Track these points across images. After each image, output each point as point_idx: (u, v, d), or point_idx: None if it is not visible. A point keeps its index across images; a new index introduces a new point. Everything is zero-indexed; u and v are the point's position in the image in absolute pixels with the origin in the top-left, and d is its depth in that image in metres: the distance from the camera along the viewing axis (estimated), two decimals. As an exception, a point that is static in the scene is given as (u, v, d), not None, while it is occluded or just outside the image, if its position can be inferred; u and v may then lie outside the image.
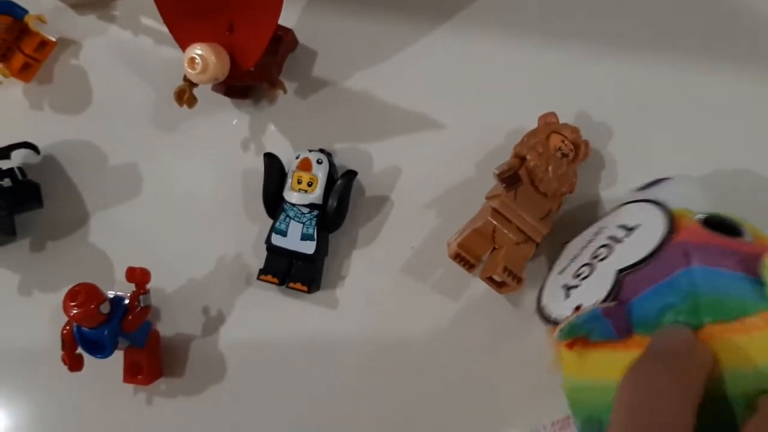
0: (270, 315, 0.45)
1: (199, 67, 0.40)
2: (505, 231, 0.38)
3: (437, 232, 0.43)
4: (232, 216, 0.47)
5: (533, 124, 0.41)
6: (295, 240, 0.42)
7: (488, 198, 0.40)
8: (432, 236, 0.43)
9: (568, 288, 0.34)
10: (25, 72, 0.54)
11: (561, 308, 0.33)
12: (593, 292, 0.31)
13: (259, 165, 0.47)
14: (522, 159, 0.39)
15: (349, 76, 0.47)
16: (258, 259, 0.45)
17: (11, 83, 0.54)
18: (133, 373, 0.45)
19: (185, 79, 0.43)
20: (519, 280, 0.38)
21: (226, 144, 0.49)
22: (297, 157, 0.42)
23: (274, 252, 0.43)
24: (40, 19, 0.53)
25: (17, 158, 0.51)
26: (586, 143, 0.40)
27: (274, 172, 0.43)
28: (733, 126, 0.40)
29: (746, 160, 0.40)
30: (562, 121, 0.41)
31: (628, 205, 0.36)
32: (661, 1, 0.43)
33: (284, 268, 0.43)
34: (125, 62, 0.52)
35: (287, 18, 0.40)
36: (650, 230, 0.31)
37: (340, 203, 0.42)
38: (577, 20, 0.44)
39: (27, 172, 0.51)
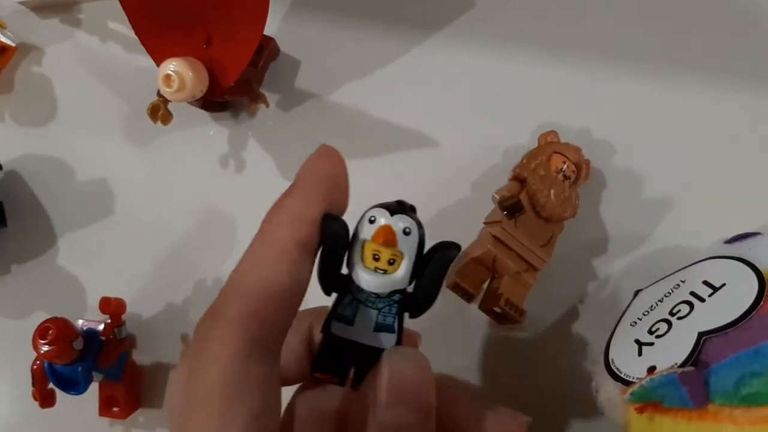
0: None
1: (175, 85, 0.37)
2: (507, 260, 0.36)
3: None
4: (211, 237, 0.45)
5: (531, 142, 0.39)
6: (366, 331, 0.27)
7: (487, 224, 0.38)
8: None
9: (641, 344, 0.32)
10: (-18, 80, 0.50)
11: (633, 367, 0.31)
12: (670, 353, 0.29)
13: (240, 183, 0.45)
14: (522, 182, 0.37)
15: (334, 87, 0.45)
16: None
17: (-32, 92, 0.51)
18: (108, 406, 0.43)
19: (159, 94, 0.40)
20: (521, 313, 0.36)
21: (203, 160, 0.46)
22: (371, 221, 0.25)
23: (334, 343, 0.27)
24: (-1, 23, 0.49)
25: (-24, 175, 0.48)
26: (588, 163, 0.38)
27: (339, 237, 0.26)
28: (747, 147, 0.39)
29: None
30: (560, 138, 0.39)
31: (714, 260, 0.33)
32: (668, 15, 0.41)
33: (349, 363, 0.28)
34: (92, 70, 0.48)
35: (268, 25, 0.38)
36: (738, 292, 0.30)
37: (434, 288, 0.26)
38: (576, 33, 0.42)
39: (-13, 189, 0.48)
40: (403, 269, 0.25)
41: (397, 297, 0.26)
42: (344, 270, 0.25)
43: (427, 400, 0.23)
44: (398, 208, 0.25)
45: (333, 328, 0.26)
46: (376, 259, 0.24)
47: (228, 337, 0.21)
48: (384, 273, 0.25)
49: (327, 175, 0.24)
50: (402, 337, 0.26)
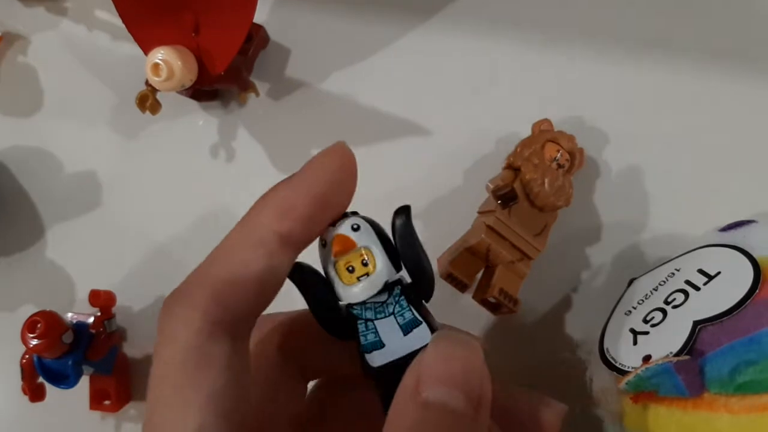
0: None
1: (164, 74, 0.37)
2: (500, 249, 0.36)
3: (425, 247, 0.40)
4: (201, 227, 0.44)
5: (525, 129, 0.39)
6: (399, 341, 0.25)
7: (481, 213, 0.38)
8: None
9: (636, 333, 0.31)
10: (-34, 70, 0.49)
11: (627, 356, 0.31)
12: (665, 342, 0.29)
13: (230, 173, 0.44)
14: (515, 171, 0.37)
15: (325, 75, 0.44)
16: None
17: (-49, 83, 0.50)
18: (99, 399, 0.42)
19: (147, 84, 0.39)
20: (515, 302, 0.36)
21: (192, 149, 0.45)
22: (323, 245, 0.25)
23: (384, 375, 0.25)
24: (-18, 12, 0.48)
25: (-38, 166, 0.47)
26: (581, 152, 0.38)
27: (314, 284, 0.25)
28: (741, 136, 0.39)
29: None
30: (554, 126, 0.39)
31: (709, 248, 0.33)
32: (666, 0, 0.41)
33: None
34: (79, 59, 0.48)
35: (257, 12, 0.37)
36: (733, 280, 0.29)
37: (416, 254, 0.25)
38: (572, 19, 0.41)
39: (-27, 181, 0.47)
40: (379, 260, 0.24)
41: (397, 290, 0.25)
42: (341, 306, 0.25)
43: (479, 388, 0.20)
44: (340, 218, 0.25)
45: (372, 362, 0.24)
46: (351, 270, 0.24)
47: (189, 316, 0.20)
48: (367, 276, 0.24)
49: (327, 173, 0.23)
50: (434, 323, 0.25)
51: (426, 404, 0.20)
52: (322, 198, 0.22)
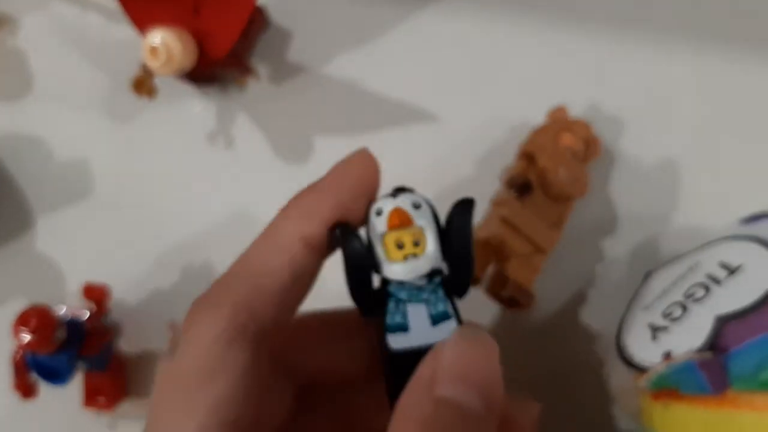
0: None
1: (162, 58, 0.35)
2: (514, 242, 0.34)
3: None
4: (199, 217, 0.43)
5: (539, 116, 0.37)
6: (425, 329, 0.25)
7: (494, 204, 0.37)
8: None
9: (656, 329, 0.30)
10: (-47, 52, 0.47)
11: (647, 352, 0.30)
12: (687, 338, 0.28)
13: (229, 160, 0.43)
14: (529, 160, 0.36)
15: (328, 59, 0.43)
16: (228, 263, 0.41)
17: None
18: (94, 396, 0.41)
19: (144, 67, 0.38)
20: (530, 297, 0.35)
21: (189, 135, 0.44)
22: (378, 213, 0.24)
23: (400, 360, 0.24)
24: (-32, -8, 0.46)
25: (-51, 153, 0.45)
26: (597, 141, 0.37)
27: (358, 249, 0.24)
28: (764, 122, 0.37)
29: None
30: (569, 113, 0.37)
31: (730, 240, 0.32)
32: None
33: None
34: (71, 42, 0.46)
35: (258, -7, 0.36)
36: (757, 274, 0.28)
37: (466, 250, 0.24)
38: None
39: (-39, 169, 0.45)
40: (431, 243, 0.23)
41: (438, 279, 0.24)
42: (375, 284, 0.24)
43: (495, 390, 0.20)
44: (399, 191, 0.24)
45: (392, 343, 0.24)
46: (400, 247, 0.23)
47: (213, 322, 0.21)
48: (415, 257, 0.23)
49: (353, 179, 0.23)
50: (461, 319, 0.24)
51: (441, 400, 0.20)
52: (346, 204, 0.23)
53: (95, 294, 0.39)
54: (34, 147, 0.45)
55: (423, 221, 0.23)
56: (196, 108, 0.44)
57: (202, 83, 0.43)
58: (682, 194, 0.38)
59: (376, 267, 0.24)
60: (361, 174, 0.23)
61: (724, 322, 0.28)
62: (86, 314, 0.39)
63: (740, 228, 0.33)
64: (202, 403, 0.20)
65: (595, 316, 0.38)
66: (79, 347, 0.38)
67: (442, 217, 0.24)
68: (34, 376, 0.38)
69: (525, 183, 0.34)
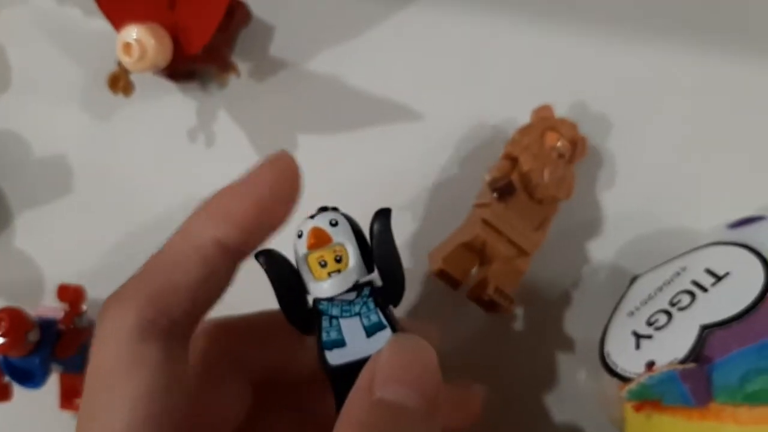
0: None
1: (135, 54, 0.34)
2: (497, 245, 0.34)
3: (415, 239, 0.39)
4: (179, 216, 0.42)
5: (525, 115, 0.37)
6: (361, 342, 0.25)
7: (477, 206, 0.36)
8: (409, 245, 0.39)
9: (639, 336, 0.30)
10: (-72, 46, 0.46)
11: (630, 361, 0.29)
12: (670, 347, 0.28)
13: (210, 159, 0.42)
14: (513, 161, 0.35)
15: (311, 55, 0.42)
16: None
17: None
18: (70, 398, 0.40)
19: (119, 64, 0.37)
20: (511, 301, 0.34)
21: (170, 133, 0.43)
22: (299, 235, 0.25)
23: (341, 374, 0.25)
24: (-57, -16, 0.46)
25: (-77, 149, 0.45)
26: (584, 140, 0.36)
27: (283, 273, 0.25)
28: (751, 124, 0.37)
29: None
30: (555, 113, 0.37)
31: (717, 246, 0.32)
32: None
33: None
34: (48, 35, 0.45)
35: (239, -13, 0.35)
36: (744, 282, 0.28)
37: (390, 259, 0.25)
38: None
39: (-64, 165, 0.44)
40: (352, 258, 0.24)
41: (367, 291, 0.25)
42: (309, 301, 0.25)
43: (432, 387, 0.21)
44: (318, 211, 0.25)
45: (331, 360, 0.24)
46: (323, 265, 0.24)
47: (123, 317, 0.21)
48: (338, 273, 0.24)
49: (268, 181, 0.23)
50: (398, 327, 0.25)
51: (379, 402, 0.20)
52: (262, 205, 0.23)
53: (69, 295, 0.38)
54: (10, 143, 0.45)
55: (341, 237, 0.24)
56: (176, 105, 0.43)
57: (182, 80, 0.42)
58: (669, 196, 0.37)
59: (304, 288, 0.24)
60: (279, 176, 0.23)
61: (708, 332, 0.27)
62: (60, 315, 0.38)
63: (727, 233, 0.32)
64: (126, 398, 0.20)
65: (578, 321, 0.37)
66: (53, 349, 0.37)
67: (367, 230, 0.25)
68: (7, 379, 0.38)
69: (507, 186, 0.33)
